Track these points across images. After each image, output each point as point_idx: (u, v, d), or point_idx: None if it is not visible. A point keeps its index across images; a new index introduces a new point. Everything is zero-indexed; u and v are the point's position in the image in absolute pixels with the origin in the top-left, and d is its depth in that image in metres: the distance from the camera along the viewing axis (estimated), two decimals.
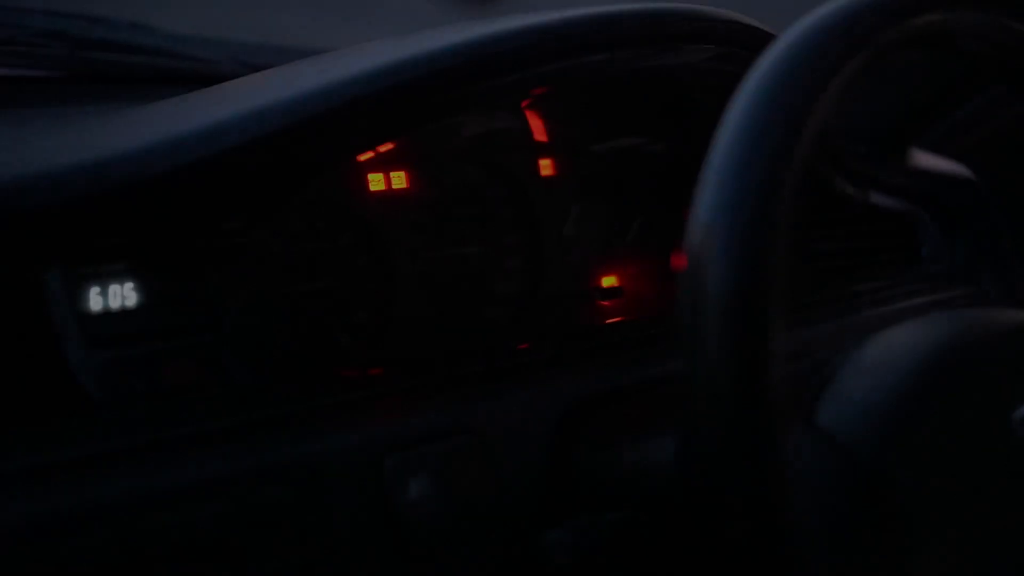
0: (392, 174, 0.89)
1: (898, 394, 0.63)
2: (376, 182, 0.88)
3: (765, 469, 0.55)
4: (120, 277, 0.71)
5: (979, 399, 0.65)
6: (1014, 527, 0.64)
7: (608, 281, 0.99)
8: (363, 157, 0.86)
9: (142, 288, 0.71)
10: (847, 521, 0.61)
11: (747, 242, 0.56)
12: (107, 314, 0.70)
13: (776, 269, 0.56)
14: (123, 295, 0.71)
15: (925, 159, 1.08)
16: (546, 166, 0.96)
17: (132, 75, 1.08)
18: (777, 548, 0.57)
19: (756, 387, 0.55)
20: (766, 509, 0.56)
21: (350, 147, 0.81)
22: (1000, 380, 0.67)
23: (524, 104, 0.94)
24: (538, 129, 0.95)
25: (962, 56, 0.71)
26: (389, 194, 0.88)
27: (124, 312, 0.71)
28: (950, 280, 1.04)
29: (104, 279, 0.70)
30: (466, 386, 0.78)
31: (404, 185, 0.89)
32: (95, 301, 0.70)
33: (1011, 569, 0.63)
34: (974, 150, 1.11)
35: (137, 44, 1.09)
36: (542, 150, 0.95)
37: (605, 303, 0.98)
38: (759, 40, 0.88)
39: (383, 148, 0.87)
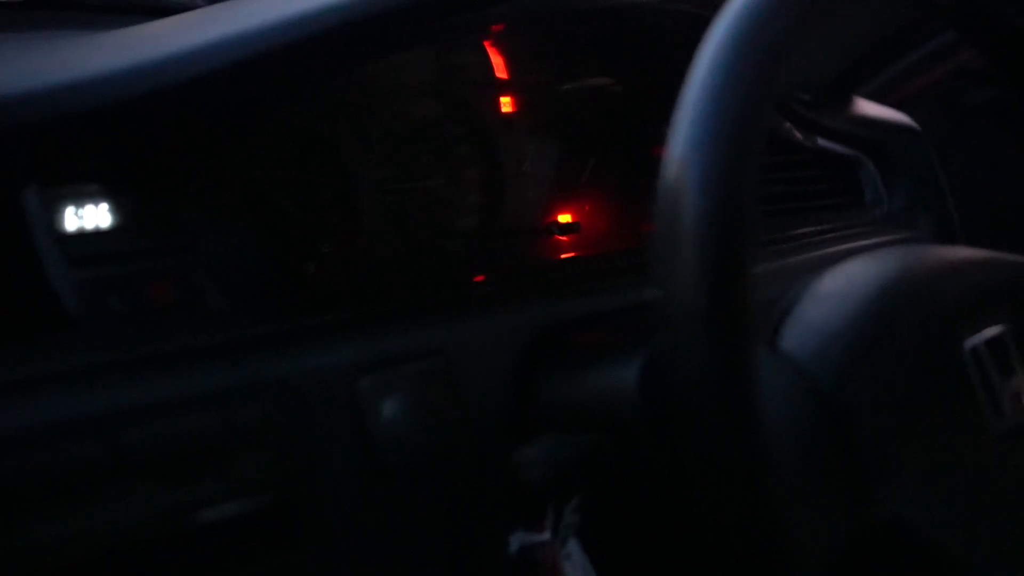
0: (358, 106, 0.90)
1: (856, 321, 0.66)
2: (344, 113, 0.89)
3: (742, 389, 0.58)
4: (95, 198, 0.72)
5: (930, 327, 0.68)
6: (963, 450, 0.67)
7: (565, 217, 1.01)
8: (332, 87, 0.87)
9: (117, 209, 0.72)
10: (809, 443, 0.64)
11: (724, 175, 0.58)
12: (84, 234, 0.71)
13: (749, 202, 0.58)
14: (99, 216, 0.72)
15: (867, 107, 1.11)
16: (507, 103, 0.97)
17: (89, 3, 1.08)
18: (750, 470, 0.59)
19: (735, 311, 0.57)
20: (742, 430, 0.58)
21: (317, 77, 0.82)
22: (949, 311, 0.70)
23: (486, 41, 0.96)
24: (500, 66, 0.97)
25: (924, 6, 0.74)
26: (355, 125, 0.90)
27: (101, 233, 0.71)
28: (891, 223, 1.08)
29: (80, 199, 0.71)
30: (431, 313, 0.80)
31: (369, 117, 0.90)
32: (71, 221, 0.70)
33: (961, 490, 0.66)
34: (915, 98, 1.14)
35: None
36: (503, 87, 0.97)
37: (562, 238, 1.00)
38: None
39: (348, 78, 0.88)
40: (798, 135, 1.08)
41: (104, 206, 0.72)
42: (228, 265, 0.76)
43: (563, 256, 0.99)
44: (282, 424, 0.68)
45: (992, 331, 0.69)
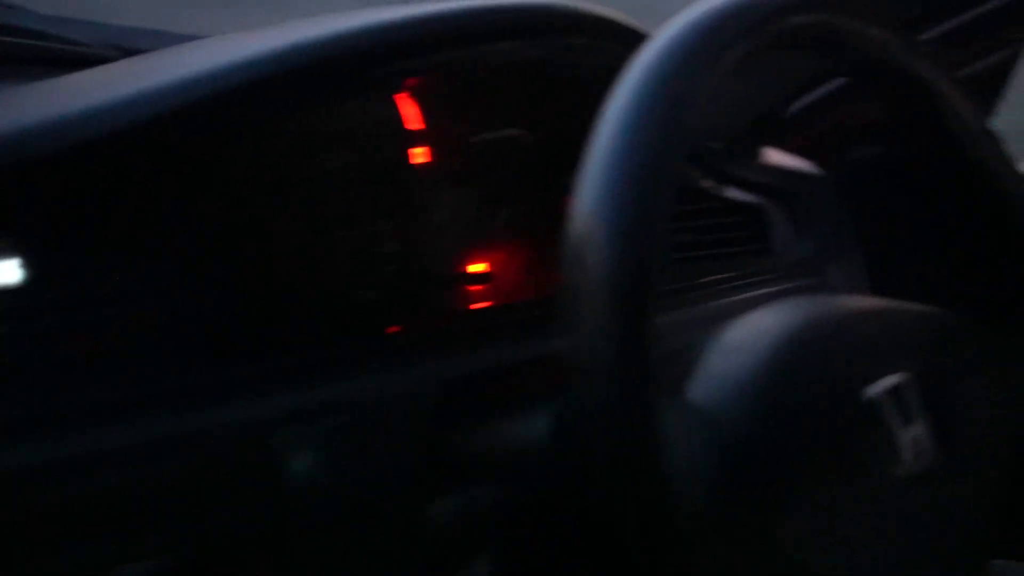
0: (270, 158, 0.90)
1: (761, 372, 0.67)
2: (257, 165, 0.89)
3: (647, 443, 0.59)
4: (9, 253, 0.71)
5: (835, 376, 0.69)
6: (864, 498, 0.68)
7: (478, 267, 1.01)
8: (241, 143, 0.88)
9: (31, 264, 0.72)
10: (715, 492, 0.65)
11: (629, 228, 0.59)
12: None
13: (656, 255, 0.60)
14: (15, 270, 0.71)
15: (777, 156, 1.14)
16: (418, 154, 0.98)
17: (6, 56, 1.07)
18: (656, 521, 0.60)
19: (639, 363, 0.58)
20: (647, 483, 0.59)
21: (227, 133, 0.83)
22: (851, 360, 0.71)
23: (400, 94, 0.96)
24: (411, 118, 0.98)
25: (825, 55, 0.76)
26: (267, 177, 0.90)
27: (18, 288, 0.71)
28: (799, 271, 1.09)
29: None
30: (344, 365, 0.80)
31: (281, 169, 0.90)
32: None
33: (867, 535, 0.68)
34: (818, 145, 1.17)
35: (12, 25, 1.09)
36: (415, 139, 0.98)
37: (476, 287, 1.01)
38: (631, 36, 0.92)
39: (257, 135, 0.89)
40: (708, 184, 1.09)
41: (18, 260, 0.72)
42: (142, 320, 0.76)
43: (477, 306, 1.00)
44: (194, 480, 0.68)
45: (892, 380, 0.71)
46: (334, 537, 0.74)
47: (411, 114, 0.98)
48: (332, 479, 0.73)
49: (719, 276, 1.05)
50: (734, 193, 1.10)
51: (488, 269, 1.02)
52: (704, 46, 0.64)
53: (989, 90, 1.16)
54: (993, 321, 0.84)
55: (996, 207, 0.78)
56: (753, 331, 0.70)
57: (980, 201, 0.78)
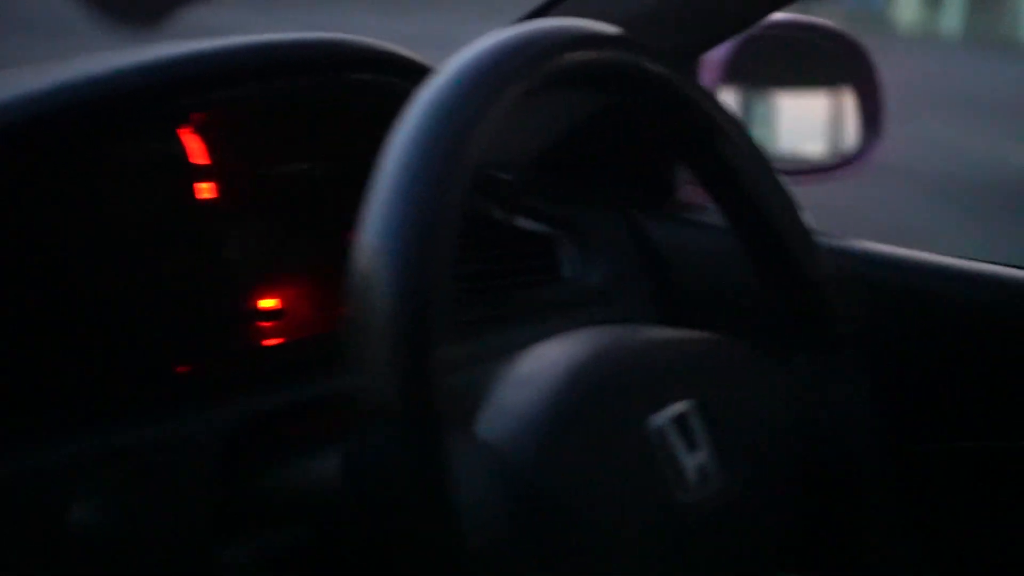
0: (47, 197, 0.88)
1: (548, 404, 0.68)
2: (32, 206, 0.86)
3: (433, 481, 0.59)
4: None
5: (621, 406, 0.71)
6: (652, 526, 0.70)
7: (270, 303, 1.00)
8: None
9: None
10: (505, 527, 0.65)
11: (413, 263, 0.59)
12: None
13: (440, 289, 0.60)
14: None
15: (565, 186, 1.15)
16: (204, 189, 0.96)
17: None
18: (444, 556, 0.60)
19: (426, 399, 0.58)
20: (433, 519, 0.59)
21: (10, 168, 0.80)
22: (636, 390, 0.73)
23: (185, 128, 0.95)
24: (196, 152, 0.96)
25: (602, 90, 0.77)
26: (45, 218, 0.87)
27: None
28: (589, 300, 1.11)
29: None
30: (131, 408, 0.78)
31: (63, 206, 0.88)
32: None
33: (653, 560, 0.69)
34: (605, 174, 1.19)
35: None
36: (200, 173, 0.96)
37: (267, 324, 1.00)
38: (415, 71, 0.93)
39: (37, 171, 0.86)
40: (497, 214, 1.10)
41: None
42: None
43: (268, 343, 0.99)
44: None
45: (678, 408, 0.72)
46: None
47: (197, 149, 0.96)
48: (121, 527, 0.71)
49: (508, 308, 1.05)
50: (524, 223, 1.12)
51: (280, 305, 1.01)
52: (486, 80, 0.65)
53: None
54: (771, 346, 0.87)
55: (770, 236, 0.80)
56: (541, 363, 0.71)
57: (754, 229, 0.80)
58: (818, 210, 0.92)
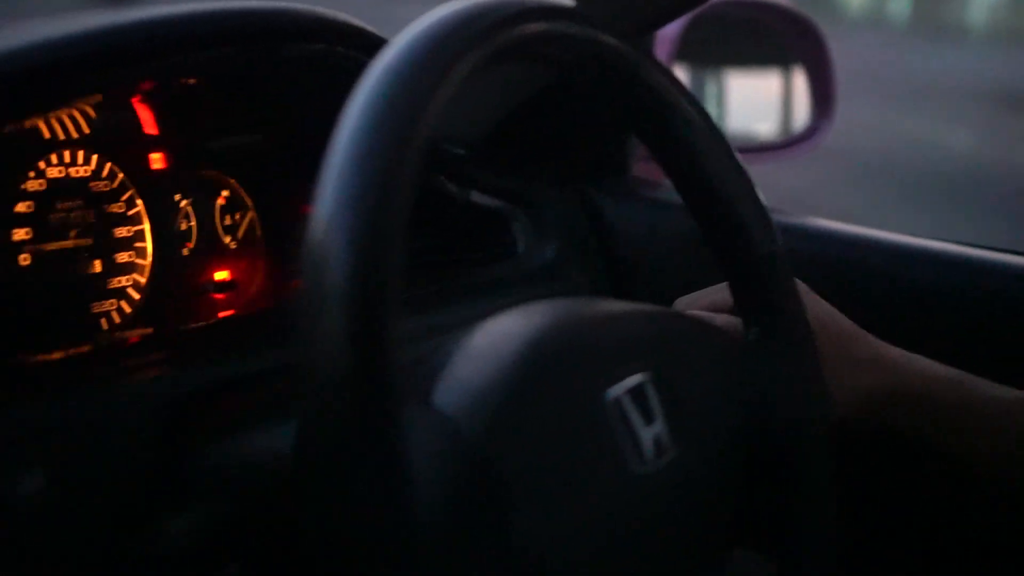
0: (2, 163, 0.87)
1: (503, 376, 0.67)
2: None
3: (386, 452, 0.58)
4: None
5: (574, 379, 0.70)
6: (607, 497, 0.69)
7: (221, 275, 1.00)
8: None
9: None
10: (461, 498, 0.65)
11: (367, 235, 0.59)
12: None
13: (395, 261, 0.59)
14: None
15: (518, 161, 1.15)
16: (156, 160, 0.95)
17: None
18: (395, 528, 0.60)
19: (381, 371, 0.58)
20: (386, 490, 0.59)
21: None
22: (592, 362, 0.72)
23: (135, 98, 0.94)
24: (149, 123, 0.95)
25: (555, 64, 0.77)
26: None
27: None
28: (543, 275, 1.11)
29: None
30: (77, 380, 0.77)
31: (13, 174, 0.87)
32: None
33: (609, 531, 0.69)
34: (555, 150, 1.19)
35: None
36: (153, 144, 0.95)
37: (218, 296, 0.99)
38: (370, 42, 0.92)
39: None
40: (451, 189, 1.10)
41: None
42: None
43: (220, 315, 0.98)
44: None
45: (634, 380, 0.72)
46: (67, 561, 0.71)
47: (149, 118, 0.95)
48: (60, 499, 0.71)
49: (463, 282, 1.05)
50: (479, 198, 1.11)
51: (231, 277, 1.00)
52: (440, 52, 0.64)
53: None
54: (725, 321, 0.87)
55: (724, 213, 0.80)
56: (495, 335, 0.71)
57: (709, 205, 0.80)
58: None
